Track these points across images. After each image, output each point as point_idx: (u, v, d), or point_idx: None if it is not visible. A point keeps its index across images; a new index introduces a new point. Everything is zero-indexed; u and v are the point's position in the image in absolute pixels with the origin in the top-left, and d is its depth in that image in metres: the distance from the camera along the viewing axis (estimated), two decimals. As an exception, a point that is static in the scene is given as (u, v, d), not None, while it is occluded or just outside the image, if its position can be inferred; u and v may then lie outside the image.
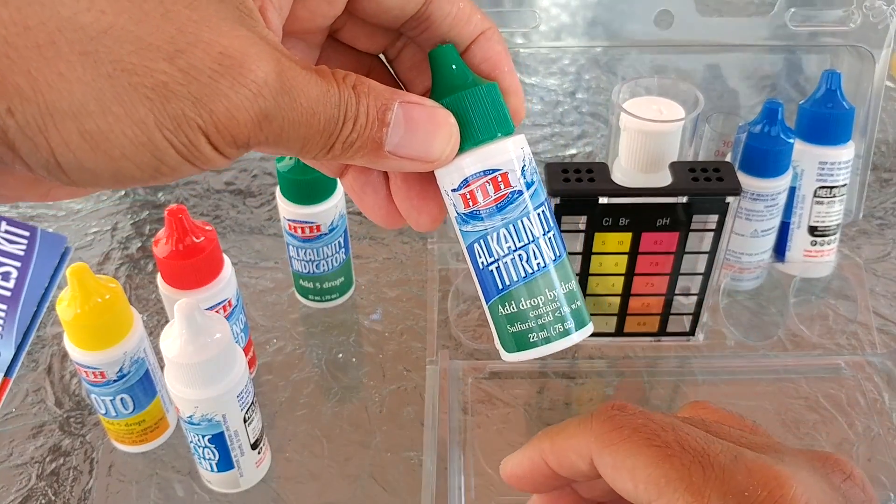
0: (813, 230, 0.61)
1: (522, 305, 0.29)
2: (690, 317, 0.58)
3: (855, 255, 0.66)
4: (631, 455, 0.26)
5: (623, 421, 0.27)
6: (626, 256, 0.53)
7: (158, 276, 0.52)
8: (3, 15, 0.20)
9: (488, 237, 0.29)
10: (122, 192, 0.76)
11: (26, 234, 0.29)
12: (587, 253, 0.53)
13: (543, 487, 0.31)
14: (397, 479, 0.53)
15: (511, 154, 0.28)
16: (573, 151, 0.81)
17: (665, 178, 0.51)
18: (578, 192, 0.50)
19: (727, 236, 0.52)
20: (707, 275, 0.54)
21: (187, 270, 0.50)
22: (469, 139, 0.28)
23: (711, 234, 0.52)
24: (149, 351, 0.50)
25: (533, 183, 0.29)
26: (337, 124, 0.24)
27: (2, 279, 0.29)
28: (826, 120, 0.58)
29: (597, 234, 0.52)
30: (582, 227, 0.51)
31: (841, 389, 0.58)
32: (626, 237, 0.52)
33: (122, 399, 0.50)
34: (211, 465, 0.49)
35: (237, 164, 0.79)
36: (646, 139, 0.53)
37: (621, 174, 0.57)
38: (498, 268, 0.29)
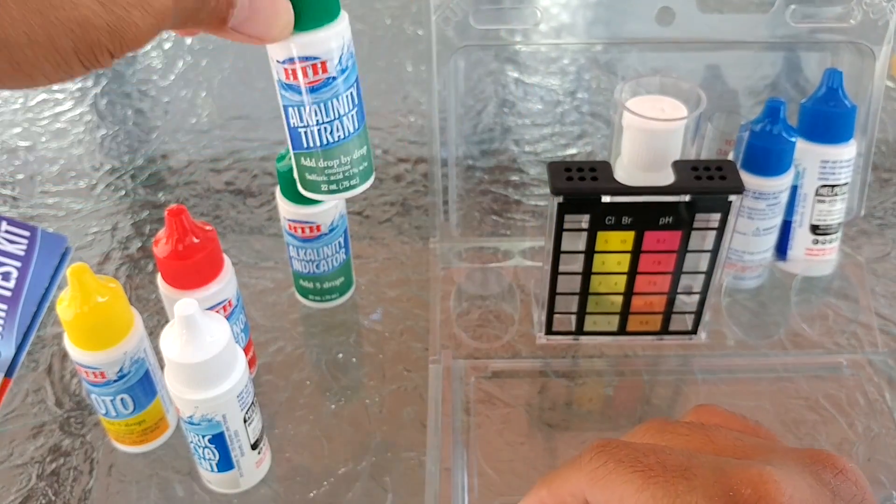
0: (815, 229, 0.61)
1: (320, 164, 0.36)
2: (693, 315, 0.58)
3: (856, 255, 0.66)
4: (619, 486, 0.27)
5: (607, 456, 0.28)
6: (628, 255, 0.53)
7: (158, 276, 0.52)
8: None
9: (301, 108, 0.34)
10: (122, 192, 0.76)
11: (26, 234, 0.29)
12: (590, 251, 0.52)
13: None
14: (397, 480, 0.52)
15: (333, 43, 0.33)
16: (573, 151, 0.80)
17: (668, 177, 0.51)
18: (581, 191, 0.50)
19: (730, 234, 0.52)
20: (710, 273, 0.54)
21: (187, 270, 0.50)
22: (301, 23, 0.32)
23: (714, 232, 0.52)
24: (149, 351, 0.50)
25: (347, 69, 0.34)
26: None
27: (2, 279, 0.28)
28: (828, 118, 0.58)
29: (599, 233, 0.51)
30: (584, 225, 0.51)
31: (841, 389, 0.58)
32: (629, 236, 0.52)
33: (122, 399, 0.50)
34: (211, 465, 0.49)
35: (237, 164, 0.78)
36: (648, 138, 0.53)
37: (624, 173, 0.57)
38: (305, 132, 0.35)
